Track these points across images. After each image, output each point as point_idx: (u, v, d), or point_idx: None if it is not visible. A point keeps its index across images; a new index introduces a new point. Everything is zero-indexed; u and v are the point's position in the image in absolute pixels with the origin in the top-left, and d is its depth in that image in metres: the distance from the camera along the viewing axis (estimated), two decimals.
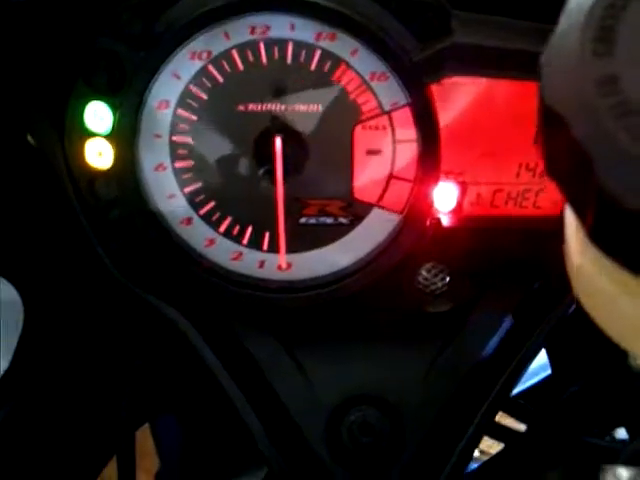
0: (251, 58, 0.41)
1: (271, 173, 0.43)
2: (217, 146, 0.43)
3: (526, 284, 0.44)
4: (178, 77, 0.42)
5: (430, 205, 0.43)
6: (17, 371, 0.50)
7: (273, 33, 0.41)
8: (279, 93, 0.42)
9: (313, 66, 0.41)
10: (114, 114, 0.42)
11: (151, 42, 0.41)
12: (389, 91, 0.41)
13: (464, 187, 0.43)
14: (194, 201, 0.44)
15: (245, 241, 0.45)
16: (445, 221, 0.43)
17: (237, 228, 0.45)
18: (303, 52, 0.41)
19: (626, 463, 0.25)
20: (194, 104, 0.42)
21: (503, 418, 0.57)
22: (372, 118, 0.42)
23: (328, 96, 0.41)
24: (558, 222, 0.25)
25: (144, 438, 0.68)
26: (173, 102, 0.42)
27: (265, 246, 0.45)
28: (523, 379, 0.62)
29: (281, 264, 0.45)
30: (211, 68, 0.42)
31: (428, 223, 0.43)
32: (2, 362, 0.50)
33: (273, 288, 0.45)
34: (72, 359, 0.56)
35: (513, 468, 0.51)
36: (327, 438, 0.45)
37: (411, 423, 0.44)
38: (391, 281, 0.44)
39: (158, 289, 0.46)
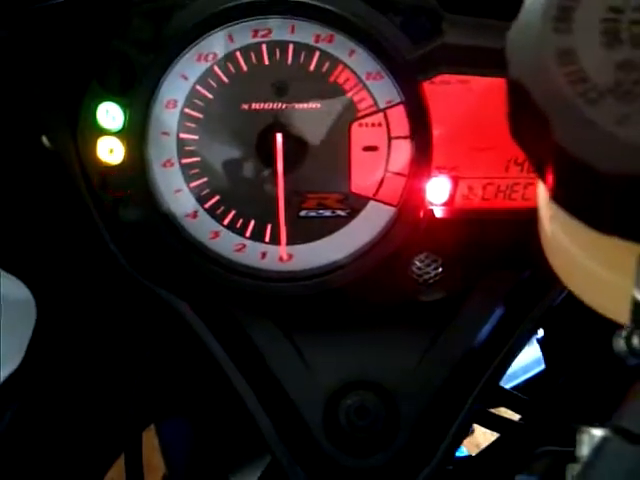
0: (254, 59, 0.44)
1: (272, 168, 0.45)
2: (222, 143, 0.45)
3: (516, 273, 0.46)
4: (185, 78, 0.44)
5: (423, 198, 0.45)
6: (29, 368, 0.51)
7: (274, 36, 0.43)
8: (280, 92, 0.44)
9: (312, 66, 0.43)
10: (125, 113, 0.44)
11: (160, 45, 0.43)
12: (384, 90, 0.43)
13: (456, 181, 0.45)
14: (200, 195, 0.46)
15: (248, 233, 0.47)
16: (438, 213, 0.45)
17: (240, 221, 0.47)
18: (303, 53, 0.43)
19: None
20: (200, 103, 0.45)
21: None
22: (368, 116, 0.44)
23: (326, 95, 0.44)
24: None
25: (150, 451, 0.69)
26: (180, 101, 0.45)
27: (267, 238, 0.47)
28: (518, 374, 0.64)
29: (282, 255, 0.47)
30: (216, 69, 0.44)
31: (422, 215, 0.45)
32: (14, 359, 0.52)
33: (274, 278, 0.47)
34: (82, 356, 0.57)
35: (507, 456, 0.52)
36: (325, 421, 0.46)
37: (406, 407, 0.46)
38: (386, 271, 0.46)
39: (165, 281, 0.48)
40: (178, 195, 0.46)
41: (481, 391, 0.45)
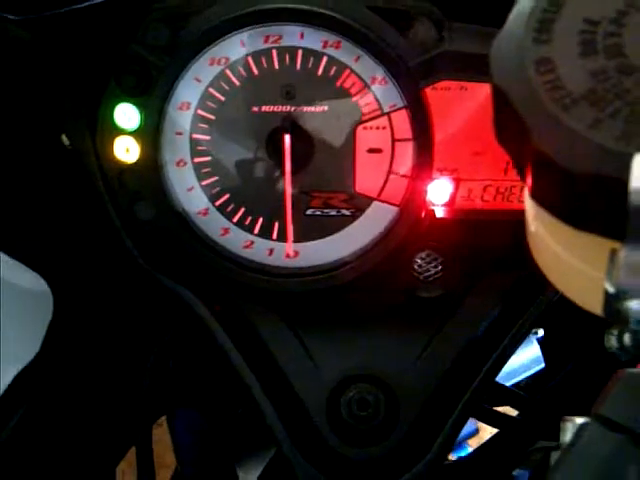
0: (265, 64, 0.46)
1: (281, 168, 0.47)
2: (233, 144, 0.47)
3: (514, 272, 0.48)
4: (199, 81, 0.46)
5: (425, 199, 0.46)
6: (44, 360, 0.53)
7: (284, 41, 0.45)
8: (289, 96, 0.46)
9: (320, 71, 0.45)
10: (141, 113, 0.47)
11: (175, 49, 0.45)
12: (388, 94, 0.45)
13: (457, 183, 0.46)
14: (211, 193, 0.48)
15: (256, 231, 0.49)
16: (439, 213, 0.47)
17: (249, 218, 0.48)
18: (311, 58, 0.45)
19: None
20: (213, 105, 0.47)
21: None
22: (373, 119, 0.46)
23: (333, 98, 0.46)
24: None
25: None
26: (194, 103, 0.47)
27: (274, 235, 0.49)
28: (518, 372, 0.65)
29: (289, 252, 0.49)
30: (228, 73, 0.46)
31: (423, 215, 0.47)
32: (30, 351, 0.53)
33: (281, 274, 0.49)
34: (95, 348, 0.59)
35: (505, 452, 0.53)
36: (328, 412, 0.48)
37: (405, 400, 0.48)
38: (388, 268, 0.48)
39: (178, 275, 0.50)
40: (190, 193, 0.48)
41: (479, 385, 0.47)
